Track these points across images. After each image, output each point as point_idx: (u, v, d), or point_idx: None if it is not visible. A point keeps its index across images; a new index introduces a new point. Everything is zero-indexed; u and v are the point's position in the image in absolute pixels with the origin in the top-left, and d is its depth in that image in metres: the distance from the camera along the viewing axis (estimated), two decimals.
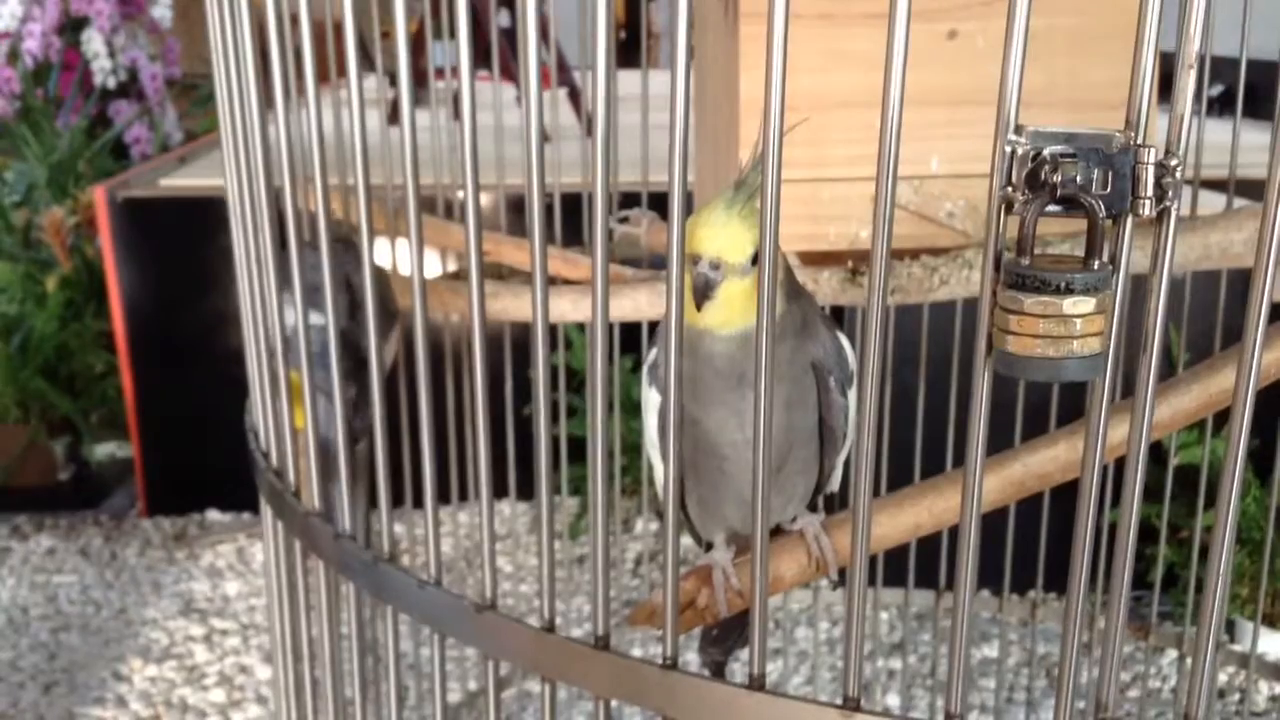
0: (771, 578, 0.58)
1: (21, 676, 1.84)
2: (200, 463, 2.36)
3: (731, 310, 0.57)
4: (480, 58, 2.18)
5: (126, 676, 1.84)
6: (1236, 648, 1.78)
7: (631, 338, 1.49)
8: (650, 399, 0.62)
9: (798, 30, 0.99)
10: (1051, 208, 0.40)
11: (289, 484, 0.66)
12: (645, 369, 0.63)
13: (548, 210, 1.27)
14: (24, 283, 2.42)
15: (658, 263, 1.19)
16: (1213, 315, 1.31)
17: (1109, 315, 0.40)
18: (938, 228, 0.95)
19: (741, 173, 0.57)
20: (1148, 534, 1.51)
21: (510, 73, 2.49)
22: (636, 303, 0.98)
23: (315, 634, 0.70)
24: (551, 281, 1.24)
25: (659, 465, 0.63)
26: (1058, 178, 0.39)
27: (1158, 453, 1.50)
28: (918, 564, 1.54)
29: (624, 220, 1.25)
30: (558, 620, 0.53)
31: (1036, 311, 0.39)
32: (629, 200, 1.38)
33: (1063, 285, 0.39)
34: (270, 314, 0.67)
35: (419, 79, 1.86)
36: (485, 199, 1.90)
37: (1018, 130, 0.40)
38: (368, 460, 0.68)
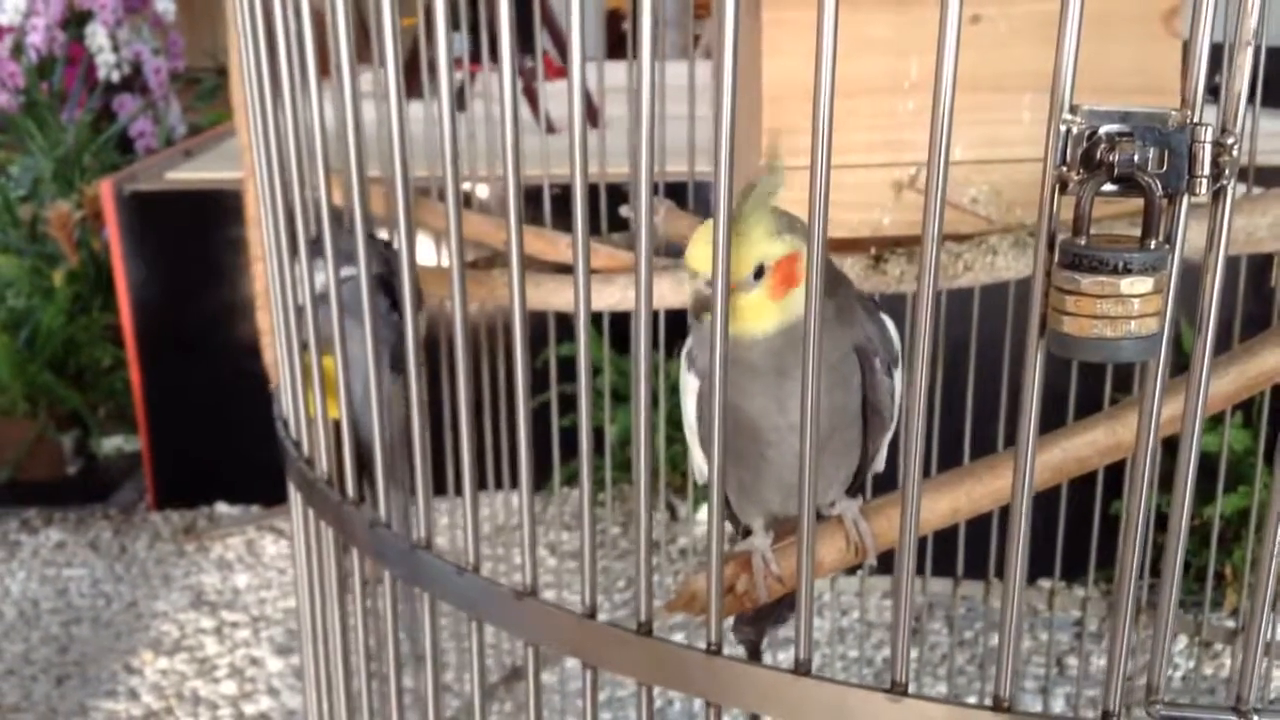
0: None
1: (33, 669, 1.84)
2: (209, 455, 2.36)
3: (749, 320, 0.57)
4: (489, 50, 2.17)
5: (138, 669, 1.84)
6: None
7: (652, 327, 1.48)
8: (689, 383, 0.62)
9: (814, 15, 0.98)
10: (1107, 187, 0.40)
11: (321, 472, 0.66)
12: (684, 354, 0.63)
13: (557, 200, 1.27)
14: (31, 277, 2.42)
15: (675, 250, 1.18)
16: (1231, 302, 1.31)
17: (1165, 295, 0.40)
18: (961, 214, 0.94)
19: (746, 188, 0.57)
20: (1158, 522, 1.50)
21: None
22: (659, 290, 0.97)
23: (348, 624, 0.70)
24: (567, 270, 1.24)
25: (696, 449, 0.63)
26: (1114, 156, 0.39)
27: (1170, 440, 1.50)
28: (935, 553, 1.54)
29: None
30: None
31: (1094, 291, 0.39)
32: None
33: (1120, 265, 0.39)
34: (301, 299, 0.66)
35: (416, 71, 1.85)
36: (487, 191, 1.89)
37: (1072, 109, 0.40)
38: (403, 448, 0.68)
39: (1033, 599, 1.78)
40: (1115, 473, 1.34)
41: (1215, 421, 1.52)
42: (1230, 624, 1.91)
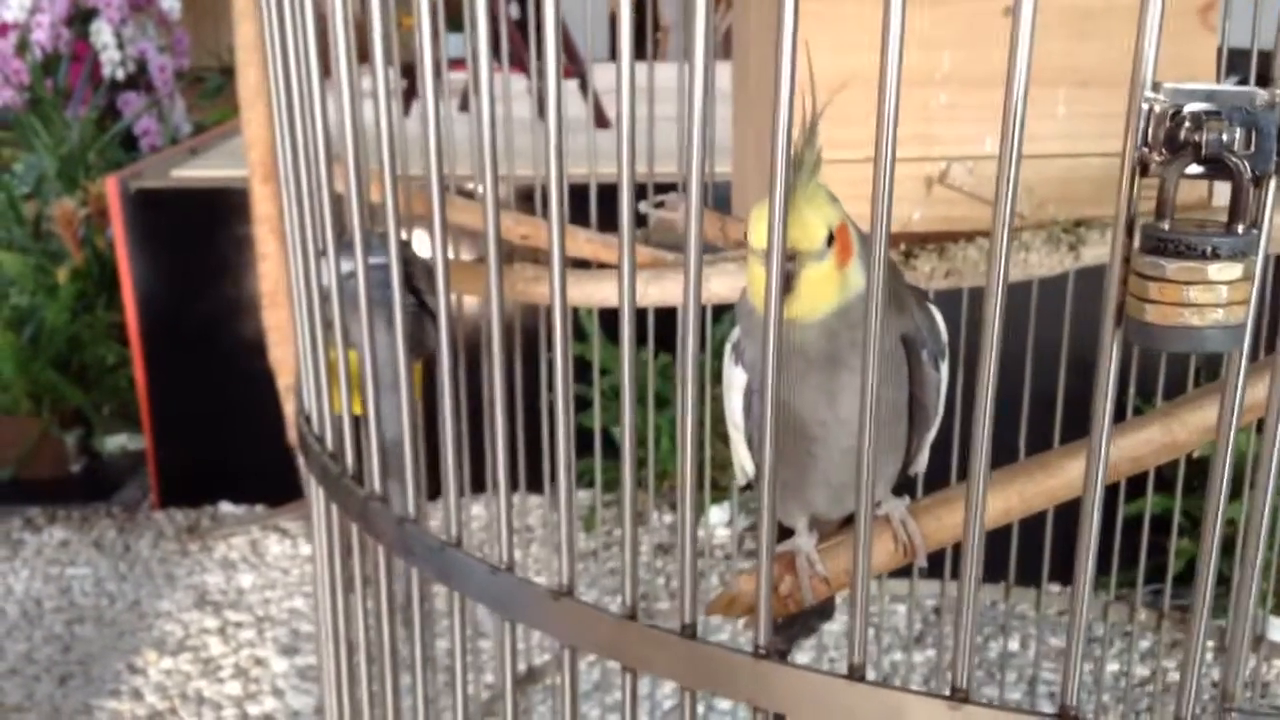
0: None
1: (36, 669, 1.82)
2: (213, 455, 2.34)
3: (815, 297, 0.54)
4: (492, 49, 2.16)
5: (141, 669, 1.82)
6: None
7: (664, 327, 1.47)
8: (735, 378, 0.59)
9: (846, 8, 0.96)
10: (1192, 169, 0.38)
11: (346, 468, 0.64)
12: (729, 347, 0.60)
13: (576, 198, 1.26)
14: (35, 274, 2.40)
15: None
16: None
17: (1253, 282, 0.38)
18: (990, 210, 0.92)
19: (796, 151, 0.55)
20: (1162, 526, 1.48)
21: (523, 63, 2.47)
22: (677, 287, 0.96)
23: (369, 621, 0.68)
24: (585, 265, 1.22)
25: (742, 447, 0.61)
26: (1200, 136, 0.37)
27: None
28: (953, 556, 1.52)
29: (660, 205, 1.22)
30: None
31: (1181, 278, 0.37)
32: (661, 189, 1.36)
33: (1208, 250, 0.37)
34: (326, 291, 0.64)
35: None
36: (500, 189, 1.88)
37: (1154, 87, 0.38)
38: (429, 446, 0.66)
39: (1051, 603, 1.76)
40: (1135, 477, 1.32)
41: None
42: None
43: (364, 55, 0.63)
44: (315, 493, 0.70)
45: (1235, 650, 0.42)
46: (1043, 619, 1.67)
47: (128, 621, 1.95)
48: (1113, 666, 1.74)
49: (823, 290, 0.54)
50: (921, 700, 0.44)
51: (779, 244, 0.45)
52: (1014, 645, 1.81)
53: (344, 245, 0.64)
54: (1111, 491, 1.34)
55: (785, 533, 0.59)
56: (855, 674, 0.45)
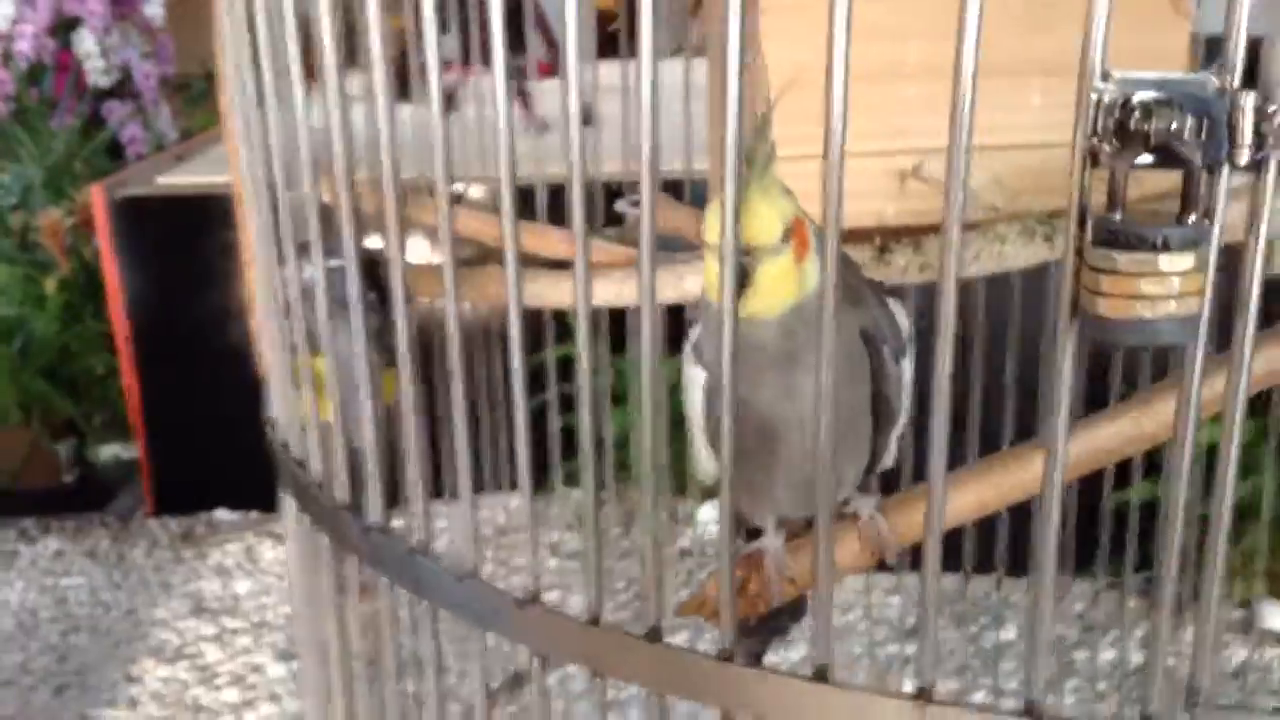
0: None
1: (32, 679, 1.82)
2: (206, 462, 2.34)
3: (772, 294, 0.53)
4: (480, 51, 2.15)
5: (138, 678, 1.82)
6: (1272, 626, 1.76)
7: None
8: (694, 376, 0.59)
9: (808, 1, 0.96)
10: (1142, 159, 0.37)
11: (313, 475, 0.63)
12: (689, 347, 0.60)
13: (550, 199, 1.26)
14: (23, 285, 2.40)
15: (665, 244, 1.16)
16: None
17: (1206, 273, 0.37)
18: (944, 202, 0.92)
19: (747, 147, 0.54)
20: (1153, 513, 1.47)
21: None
22: (659, 285, 0.95)
23: (340, 630, 0.68)
24: (561, 265, 1.21)
25: (702, 447, 0.60)
26: (1150, 125, 0.36)
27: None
28: (942, 548, 1.51)
29: (636, 204, 1.22)
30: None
31: (1132, 270, 0.36)
32: (634, 188, 1.36)
33: (1159, 241, 0.36)
34: (290, 297, 0.64)
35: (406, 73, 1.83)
36: (480, 191, 1.87)
37: (1104, 76, 0.37)
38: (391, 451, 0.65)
39: (1019, 592, 1.76)
40: (1125, 462, 1.32)
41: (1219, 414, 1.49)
42: (1238, 615, 1.89)
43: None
44: (284, 500, 0.70)
45: (1202, 645, 0.41)
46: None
47: (124, 630, 1.95)
48: (1109, 655, 1.74)
49: (780, 286, 0.53)
50: (888, 701, 0.44)
51: (732, 239, 0.44)
52: (1009, 635, 1.81)
53: (324, 249, 0.63)
54: (1097, 479, 1.34)
55: (757, 534, 0.59)
56: (820, 675, 0.45)
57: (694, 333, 0.60)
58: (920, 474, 0.83)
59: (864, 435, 0.59)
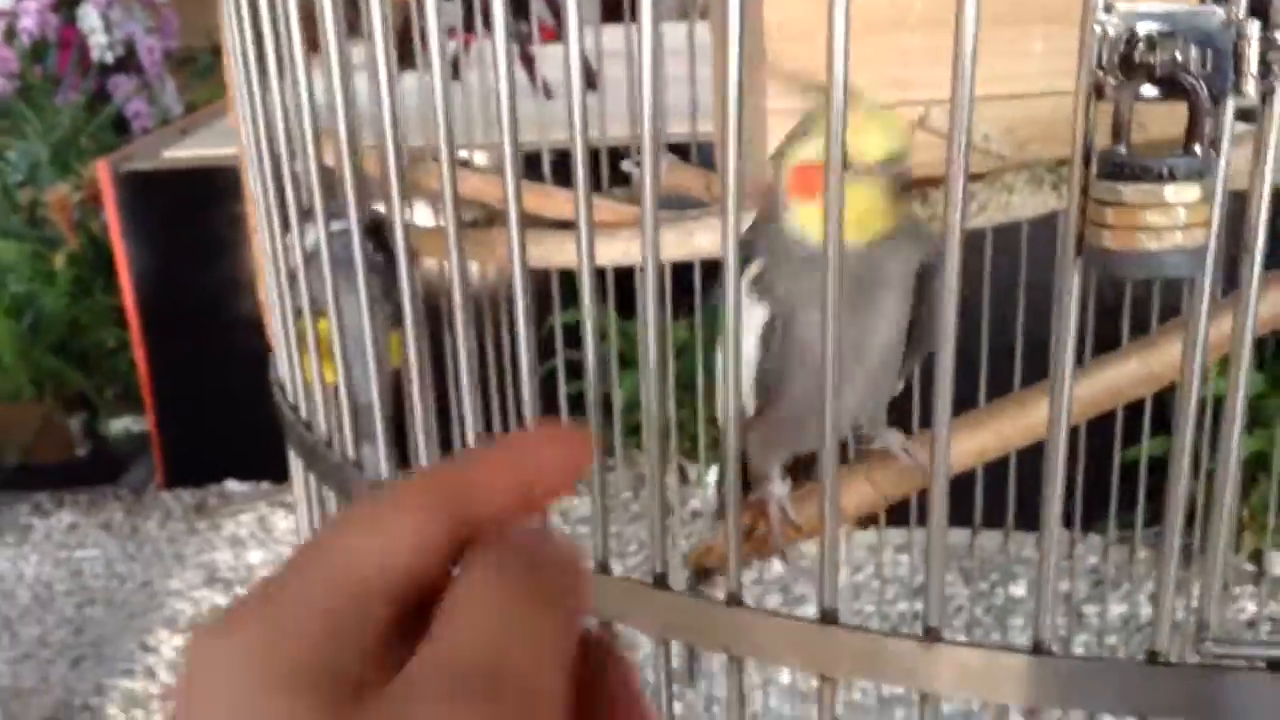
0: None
1: (50, 652, 1.83)
2: (217, 433, 2.35)
3: (863, 219, 0.52)
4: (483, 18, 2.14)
5: (154, 648, 1.83)
6: None
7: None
8: (755, 316, 0.55)
9: None
10: (1146, 91, 0.37)
11: (320, 435, 0.64)
12: (747, 281, 0.56)
13: (555, 164, 1.25)
14: (32, 261, 2.40)
15: (673, 203, 1.16)
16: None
17: (1212, 204, 0.37)
18: (974, 152, 0.91)
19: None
20: (1162, 467, 1.46)
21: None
22: (666, 242, 0.95)
23: None
24: (567, 225, 1.21)
25: (745, 386, 0.57)
26: (1154, 58, 0.36)
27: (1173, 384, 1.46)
28: (951, 502, 1.51)
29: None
30: None
31: (1137, 201, 0.36)
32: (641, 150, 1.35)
33: (1165, 172, 0.36)
34: (294, 260, 0.64)
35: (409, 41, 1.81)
36: (484, 158, 1.87)
37: (1107, 8, 0.37)
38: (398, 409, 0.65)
39: (1029, 547, 1.75)
40: (1134, 418, 1.31)
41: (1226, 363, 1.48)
42: (1250, 567, 1.89)
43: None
44: (292, 461, 0.70)
45: (1210, 580, 0.41)
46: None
47: (139, 602, 1.96)
48: (1120, 609, 1.74)
49: (870, 210, 0.53)
50: (895, 641, 0.44)
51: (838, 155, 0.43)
52: (1019, 591, 1.81)
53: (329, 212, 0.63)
54: (1108, 436, 1.34)
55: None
56: (828, 618, 0.45)
57: (753, 267, 0.57)
58: (927, 421, 0.83)
59: (895, 368, 0.59)
